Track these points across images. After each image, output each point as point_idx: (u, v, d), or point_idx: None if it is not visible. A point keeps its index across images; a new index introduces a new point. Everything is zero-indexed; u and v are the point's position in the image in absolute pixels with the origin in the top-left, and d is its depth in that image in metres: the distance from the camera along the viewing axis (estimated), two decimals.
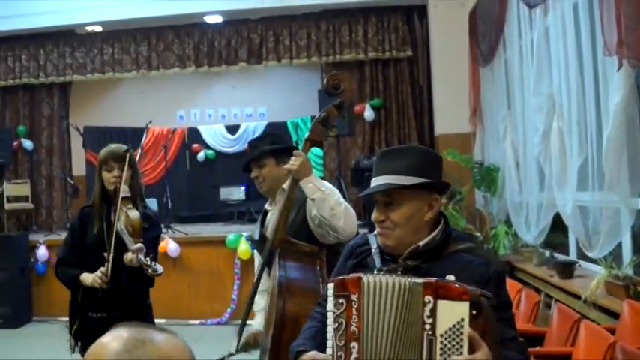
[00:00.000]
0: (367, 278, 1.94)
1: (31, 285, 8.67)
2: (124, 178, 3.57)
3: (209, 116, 12.58)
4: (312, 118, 3.32)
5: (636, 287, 3.94)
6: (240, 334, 3.37)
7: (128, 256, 3.32)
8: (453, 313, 1.81)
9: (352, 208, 3.28)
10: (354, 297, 1.93)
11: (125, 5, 9.14)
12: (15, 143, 9.98)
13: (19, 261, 8.47)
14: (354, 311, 1.92)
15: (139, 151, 9.31)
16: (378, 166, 2.19)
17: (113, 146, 3.72)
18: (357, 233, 2.90)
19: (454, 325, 1.80)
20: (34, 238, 8.87)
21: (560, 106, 4.77)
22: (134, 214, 3.45)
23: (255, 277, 3.35)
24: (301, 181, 3.13)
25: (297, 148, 3.27)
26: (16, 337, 7.89)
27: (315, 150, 3.34)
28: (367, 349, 1.91)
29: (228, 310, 8.07)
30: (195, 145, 12.04)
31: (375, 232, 2.21)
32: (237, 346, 3.33)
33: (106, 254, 3.46)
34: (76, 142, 10.40)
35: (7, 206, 9.53)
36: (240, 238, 8.19)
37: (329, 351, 1.96)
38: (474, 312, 1.79)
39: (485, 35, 7.14)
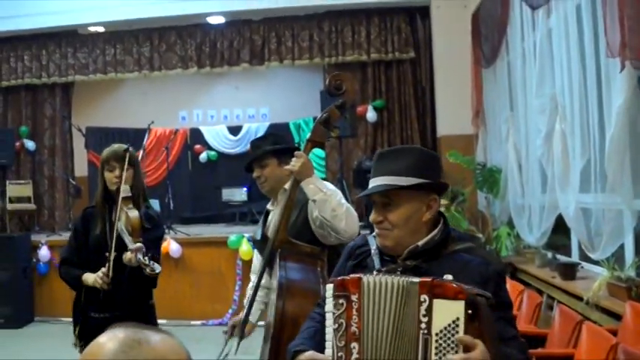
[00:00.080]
0: (367, 278, 1.94)
1: (33, 285, 8.68)
2: (124, 178, 3.57)
3: (211, 117, 12.58)
4: (315, 119, 3.31)
5: (639, 289, 3.93)
6: (241, 335, 3.37)
7: (127, 255, 3.32)
8: (448, 312, 1.80)
9: (354, 210, 3.28)
10: (354, 297, 1.93)
11: (127, 6, 9.16)
12: (17, 144, 9.99)
13: (21, 261, 8.48)
14: (354, 312, 1.92)
15: (141, 151, 9.30)
16: (376, 167, 2.19)
17: (115, 146, 3.72)
18: (359, 234, 2.89)
19: (449, 325, 1.80)
20: (36, 239, 8.88)
21: (563, 107, 4.76)
22: (134, 213, 3.45)
23: (257, 277, 3.34)
24: (302, 182, 3.13)
25: (299, 149, 3.27)
26: (18, 338, 7.89)
27: (318, 151, 3.34)
28: (367, 350, 1.90)
29: (230, 310, 8.06)
30: (198, 146, 12.04)
31: (374, 233, 2.21)
32: (238, 346, 3.32)
33: (107, 254, 3.46)
34: (79, 143, 10.41)
35: (10, 207, 9.54)
36: (242, 239, 8.18)
37: (328, 352, 1.96)
38: (470, 311, 1.79)
39: (488, 37, 7.13)
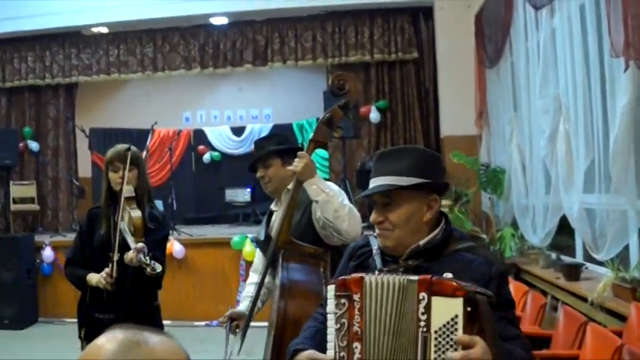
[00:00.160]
0: (369, 278, 1.93)
1: (36, 286, 8.68)
2: (126, 178, 3.56)
3: (215, 118, 12.59)
4: (318, 119, 3.30)
5: None
6: (243, 337, 3.36)
7: (128, 255, 3.32)
8: (447, 309, 1.80)
9: (358, 210, 3.27)
10: (356, 297, 1.92)
11: (131, 7, 9.16)
12: (21, 144, 9.99)
13: (25, 262, 8.48)
14: (357, 311, 1.91)
15: (145, 152, 9.30)
16: (377, 167, 2.18)
17: (119, 147, 3.72)
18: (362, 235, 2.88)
19: (448, 322, 1.79)
20: (40, 240, 8.88)
21: (567, 108, 4.74)
22: (136, 213, 3.45)
23: (259, 277, 3.33)
24: (305, 182, 3.12)
25: (303, 149, 3.26)
26: (22, 338, 7.90)
27: (321, 152, 3.33)
28: (369, 350, 1.89)
29: None
30: (201, 147, 12.06)
31: (375, 233, 2.20)
32: (240, 348, 3.31)
33: (111, 254, 3.46)
34: (82, 144, 10.42)
35: (13, 207, 9.55)
36: (246, 240, 8.18)
37: (330, 352, 1.95)
38: (469, 309, 1.78)
39: (492, 37, 7.12)
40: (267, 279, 3.29)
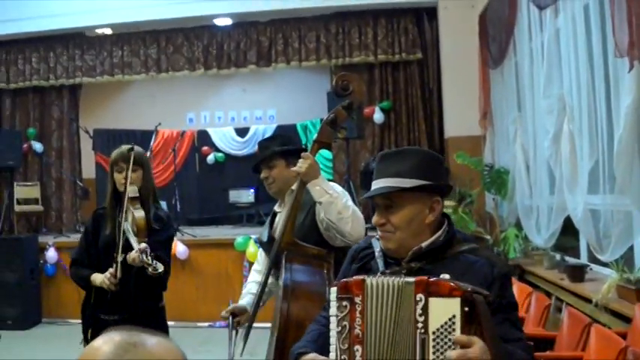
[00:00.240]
0: (370, 280, 1.93)
1: (40, 287, 8.69)
2: (129, 178, 3.56)
3: (219, 119, 12.60)
4: (322, 120, 3.29)
5: None
6: (246, 338, 3.35)
7: (131, 255, 3.32)
8: (444, 310, 1.79)
9: (362, 211, 3.26)
10: (357, 300, 1.91)
11: (134, 8, 9.17)
12: (25, 145, 10.01)
13: (29, 263, 8.49)
14: (358, 314, 1.91)
15: (148, 153, 9.30)
16: (379, 168, 2.18)
17: (123, 147, 3.72)
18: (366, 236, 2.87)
19: (446, 322, 1.79)
20: (44, 240, 8.90)
21: (571, 108, 4.73)
22: (139, 213, 3.45)
23: (263, 277, 3.33)
24: (309, 183, 3.11)
25: (307, 150, 3.25)
26: (25, 339, 7.90)
27: (325, 152, 3.32)
28: (370, 352, 1.89)
29: None
30: (205, 148, 12.05)
31: (377, 235, 2.19)
32: (243, 349, 3.31)
33: (115, 255, 3.46)
34: (86, 145, 10.44)
35: (17, 208, 9.56)
36: (249, 241, 8.18)
37: (332, 355, 1.94)
38: (467, 308, 1.77)
39: (496, 37, 7.10)
40: (270, 280, 3.28)
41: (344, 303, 1.93)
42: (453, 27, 8.55)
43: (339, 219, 3.07)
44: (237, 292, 8.08)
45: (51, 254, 8.63)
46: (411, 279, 1.88)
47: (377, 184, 2.14)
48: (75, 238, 8.75)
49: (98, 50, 10.04)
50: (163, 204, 8.69)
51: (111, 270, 3.45)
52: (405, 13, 9.28)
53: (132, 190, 3.56)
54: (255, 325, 3.33)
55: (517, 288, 4.98)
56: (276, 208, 3.56)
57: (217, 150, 12.01)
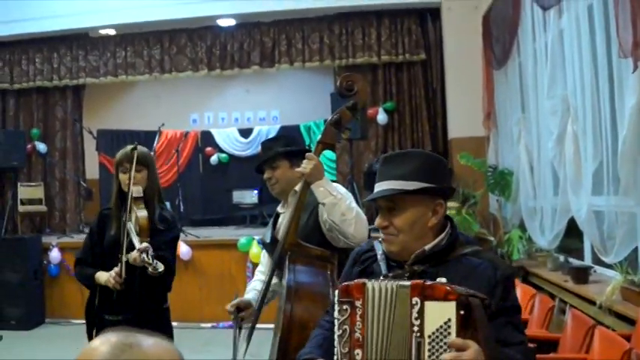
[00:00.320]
0: (371, 284, 1.92)
1: (43, 287, 8.71)
2: (132, 178, 3.56)
3: (222, 119, 12.62)
4: (325, 121, 3.28)
5: None
6: (249, 339, 3.34)
7: (132, 255, 3.32)
8: (440, 313, 1.79)
9: (365, 213, 3.25)
10: (358, 303, 1.91)
11: (138, 9, 9.17)
12: (29, 146, 10.01)
13: (32, 263, 8.51)
14: (358, 318, 1.90)
15: (152, 154, 9.31)
16: (381, 171, 2.17)
17: (128, 147, 3.72)
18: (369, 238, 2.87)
19: (441, 326, 1.79)
20: (47, 241, 8.91)
21: (575, 109, 4.71)
22: (142, 213, 3.45)
23: (266, 277, 3.32)
24: (313, 184, 3.10)
25: (311, 151, 3.24)
26: (29, 339, 7.92)
27: (329, 153, 3.32)
28: (371, 356, 1.88)
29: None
30: (209, 149, 12.07)
31: (380, 238, 2.18)
32: (246, 350, 3.30)
33: (120, 255, 3.46)
34: (90, 145, 10.45)
35: (21, 208, 9.57)
36: (252, 242, 8.18)
37: (334, 359, 1.94)
38: (462, 312, 1.77)
39: (499, 38, 7.09)
40: (273, 280, 3.28)
41: (344, 307, 1.92)
42: (457, 28, 8.53)
43: (343, 221, 3.07)
44: (241, 292, 8.11)
45: (54, 255, 8.64)
46: (407, 282, 1.88)
47: (380, 187, 2.14)
48: (78, 238, 8.78)
49: (102, 51, 10.05)
50: (167, 205, 8.75)
51: (116, 269, 3.45)
52: (408, 14, 9.26)
53: (136, 190, 3.56)
54: (258, 326, 3.33)
55: (521, 289, 4.96)
56: (279, 209, 3.56)
57: (221, 151, 12.02)
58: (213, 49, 9.83)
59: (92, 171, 10.78)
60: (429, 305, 1.81)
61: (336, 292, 1.97)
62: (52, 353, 6.75)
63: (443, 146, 9.05)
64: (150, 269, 3.20)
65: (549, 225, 5.55)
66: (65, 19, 9.32)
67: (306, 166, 3.08)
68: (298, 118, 11.50)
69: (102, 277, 3.54)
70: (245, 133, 12.04)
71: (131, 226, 3.46)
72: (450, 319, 1.77)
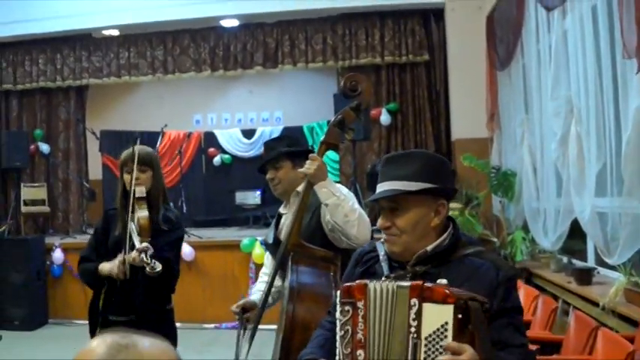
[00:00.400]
0: (373, 285, 1.92)
1: (46, 288, 8.72)
2: (134, 178, 3.56)
3: (225, 120, 12.61)
4: (329, 122, 3.28)
5: None
6: (251, 339, 3.34)
7: (132, 255, 3.32)
8: (437, 316, 1.80)
9: (367, 214, 3.25)
10: (359, 304, 1.91)
11: (141, 9, 9.17)
12: (32, 146, 10.02)
13: (35, 264, 8.51)
14: (360, 318, 1.90)
15: (156, 154, 9.31)
16: (383, 171, 2.17)
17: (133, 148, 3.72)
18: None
19: (438, 329, 1.79)
20: (50, 241, 8.92)
21: (579, 110, 4.70)
22: (142, 213, 3.45)
23: (269, 278, 3.32)
24: (316, 185, 3.10)
25: (314, 151, 3.24)
26: (32, 340, 7.93)
27: (332, 154, 3.31)
28: (373, 357, 1.88)
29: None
30: (212, 150, 12.06)
31: (382, 238, 2.18)
32: (248, 350, 3.30)
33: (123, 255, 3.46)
34: (93, 146, 10.46)
35: (24, 209, 9.59)
36: (255, 243, 8.18)
37: (337, 359, 1.94)
38: (460, 315, 1.77)
39: (503, 39, 7.08)
40: (276, 281, 3.27)
41: (346, 308, 1.93)
42: (460, 28, 8.53)
43: (346, 222, 3.06)
44: (244, 293, 8.13)
45: (57, 255, 8.65)
46: (407, 283, 1.88)
47: (382, 187, 2.13)
48: (81, 239, 8.79)
49: (105, 52, 10.06)
50: (170, 205, 8.75)
51: (120, 258, 3.44)
52: (412, 15, 9.25)
53: (139, 191, 3.56)
54: (260, 326, 3.32)
55: (524, 291, 4.96)
56: (281, 209, 3.55)
57: (224, 152, 12.02)
58: (217, 49, 9.83)
59: (95, 172, 10.78)
60: (427, 307, 1.81)
61: (338, 292, 1.97)
62: (55, 354, 6.75)
63: (446, 147, 9.04)
64: (147, 269, 3.20)
65: (552, 226, 5.54)
66: (68, 19, 9.33)
67: (309, 166, 3.08)
68: (301, 119, 11.49)
69: (105, 267, 3.52)
70: (248, 134, 12.04)
71: (133, 226, 3.46)
72: (447, 322, 1.78)
